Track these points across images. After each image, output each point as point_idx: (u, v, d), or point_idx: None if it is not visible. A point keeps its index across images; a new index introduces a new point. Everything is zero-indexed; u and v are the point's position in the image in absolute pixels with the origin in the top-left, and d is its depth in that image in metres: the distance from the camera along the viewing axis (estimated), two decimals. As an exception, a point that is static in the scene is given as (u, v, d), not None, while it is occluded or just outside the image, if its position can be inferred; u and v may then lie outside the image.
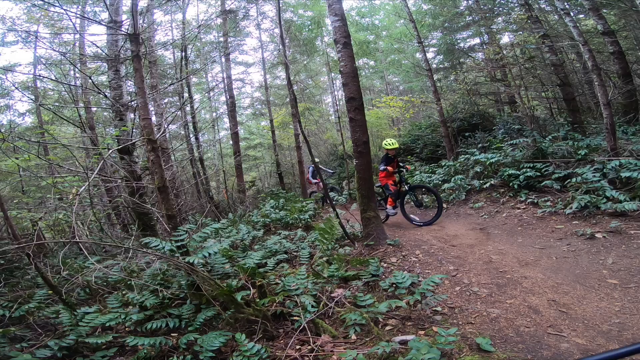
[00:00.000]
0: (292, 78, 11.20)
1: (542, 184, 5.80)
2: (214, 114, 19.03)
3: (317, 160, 11.20)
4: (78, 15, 7.63)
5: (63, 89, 9.32)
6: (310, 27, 15.22)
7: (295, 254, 4.74)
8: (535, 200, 5.53)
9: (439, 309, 2.88)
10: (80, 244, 3.57)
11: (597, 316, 2.56)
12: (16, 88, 8.81)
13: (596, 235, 4.02)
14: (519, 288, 3.12)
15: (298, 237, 5.59)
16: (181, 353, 2.31)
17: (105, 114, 11.52)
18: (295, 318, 2.71)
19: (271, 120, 15.60)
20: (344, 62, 4.78)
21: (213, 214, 9.12)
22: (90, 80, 5.61)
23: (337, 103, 19.44)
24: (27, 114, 12.83)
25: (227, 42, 12.95)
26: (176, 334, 2.61)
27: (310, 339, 2.46)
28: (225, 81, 13.66)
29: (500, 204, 6.10)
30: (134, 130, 6.00)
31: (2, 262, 4.21)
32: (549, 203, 5.27)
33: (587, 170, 5.20)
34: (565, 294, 2.92)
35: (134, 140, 5.22)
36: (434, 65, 12.82)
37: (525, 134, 7.55)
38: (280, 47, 11.89)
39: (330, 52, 16.48)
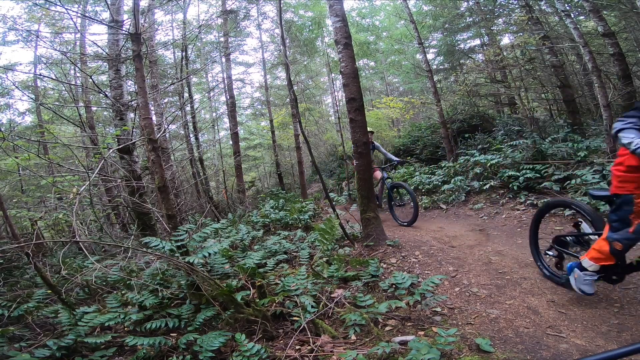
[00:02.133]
0: (292, 78, 11.16)
1: (541, 186, 5.81)
2: (214, 114, 19.04)
3: (370, 136, 7.31)
4: (79, 15, 7.64)
5: (63, 88, 9.32)
6: (310, 27, 15.25)
7: (294, 254, 4.74)
8: (535, 202, 5.54)
9: (438, 309, 2.88)
10: (80, 243, 3.57)
11: (596, 317, 2.56)
12: (16, 87, 8.82)
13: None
14: (519, 289, 3.12)
15: (298, 238, 5.60)
16: (180, 353, 2.30)
17: (105, 113, 11.53)
18: (295, 318, 2.71)
19: (271, 121, 15.62)
20: (344, 63, 4.78)
21: (212, 214, 9.12)
22: (90, 80, 5.61)
23: (337, 104, 19.48)
24: (27, 113, 12.85)
25: (228, 42, 12.96)
26: (175, 334, 2.61)
27: (310, 339, 2.46)
28: (226, 81, 13.67)
29: (500, 205, 6.10)
30: (133, 129, 6.00)
31: (1, 261, 4.21)
32: (548, 204, 5.27)
33: (586, 171, 5.21)
34: (565, 295, 2.93)
35: (134, 140, 5.21)
36: (434, 67, 12.84)
37: (525, 135, 7.57)
38: (281, 47, 11.91)
39: (331, 52, 16.51)
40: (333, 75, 16.49)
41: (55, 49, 8.62)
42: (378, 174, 7.09)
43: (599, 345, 2.25)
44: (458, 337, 2.36)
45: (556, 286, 3.09)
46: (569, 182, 5.32)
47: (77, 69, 8.68)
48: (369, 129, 6.48)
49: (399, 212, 6.74)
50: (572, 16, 7.29)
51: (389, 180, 6.82)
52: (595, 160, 5.53)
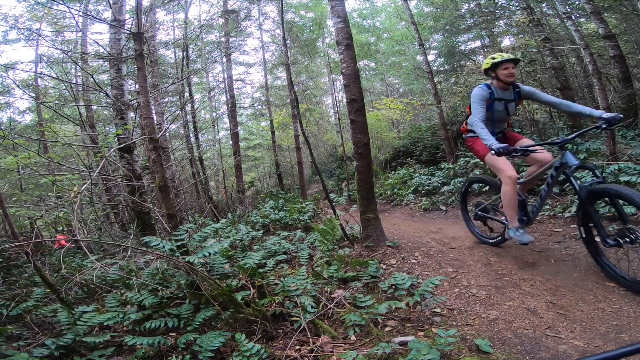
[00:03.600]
0: (292, 79, 11.13)
1: (541, 187, 5.80)
2: (214, 114, 19.06)
3: (512, 69, 3.59)
4: (81, 14, 7.64)
5: (64, 87, 9.32)
6: (311, 28, 15.28)
7: (294, 254, 4.74)
8: (535, 203, 5.53)
9: (438, 310, 2.89)
10: (80, 242, 3.57)
11: (594, 318, 2.57)
12: (17, 86, 8.82)
13: (595, 238, 4.02)
14: (518, 290, 3.12)
15: (297, 238, 5.60)
16: (180, 353, 2.30)
17: (105, 112, 11.53)
18: (294, 318, 2.71)
19: (271, 121, 15.65)
20: (345, 64, 4.79)
21: (212, 214, 9.12)
22: (92, 79, 5.62)
23: (338, 104, 19.48)
24: (27, 111, 12.87)
25: (229, 42, 12.99)
26: (175, 334, 2.61)
27: (310, 339, 2.46)
28: (226, 81, 13.70)
29: (500, 207, 6.10)
30: (134, 129, 6.00)
31: (0, 260, 4.20)
32: (547, 206, 5.28)
33: (586, 174, 5.21)
34: (564, 296, 2.93)
35: (134, 140, 5.22)
36: (435, 68, 12.86)
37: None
38: (282, 48, 11.91)
39: (331, 53, 16.55)
40: (334, 75, 16.51)
41: (57, 48, 8.62)
42: (544, 159, 3.61)
43: (597, 346, 2.25)
44: (458, 338, 2.36)
45: (556, 287, 3.09)
46: (568, 184, 5.32)
47: (78, 67, 8.69)
48: (511, 55, 3.64)
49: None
50: (573, 18, 7.30)
51: (587, 174, 3.61)
52: (595, 163, 5.53)
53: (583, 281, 3.18)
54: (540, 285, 3.16)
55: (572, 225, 4.56)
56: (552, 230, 4.60)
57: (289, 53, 14.54)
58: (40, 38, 9.14)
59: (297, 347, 2.42)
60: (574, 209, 4.70)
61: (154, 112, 8.63)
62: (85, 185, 3.05)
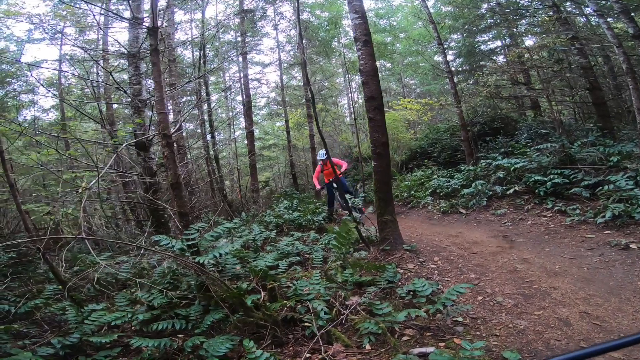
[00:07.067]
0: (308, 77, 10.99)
1: (570, 192, 5.51)
2: (230, 113, 19.15)
3: None
4: (102, 12, 7.74)
5: (85, 85, 9.47)
6: (327, 27, 15.17)
7: (308, 256, 4.61)
8: (563, 208, 5.24)
9: (460, 319, 2.70)
10: (92, 239, 3.53)
11: (633, 329, 2.36)
12: (41, 84, 9.00)
13: (631, 245, 3.75)
14: (548, 299, 2.91)
15: (311, 239, 5.46)
16: (186, 356, 2.21)
17: (125, 110, 11.70)
18: (306, 324, 2.57)
19: (286, 121, 15.61)
20: (363, 61, 4.65)
21: (226, 213, 9.09)
22: (111, 77, 5.65)
23: (353, 104, 19.31)
24: (52, 109, 13.20)
25: (245, 42, 13.01)
26: (182, 336, 2.52)
27: (322, 347, 2.32)
28: (242, 81, 13.73)
29: (525, 211, 5.82)
30: (151, 126, 5.99)
31: (14, 255, 4.22)
32: (578, 211, 4.98)
33: (619, 177, 4.90)
34: (599, 306, 2.71)
35: (147, 135, 5.20)
36: (453, 68, 12.54)
37: (550, 139, 7.23)
38: (298, 45, 11.86)
39: (347, 53, 16.40)
40: (349, 75, 16.36)
41: (79, 46, 8.77)
42: None
43: (637, 358, 2.05)
44: (483, 350, 2.18)
45: (589, 297, 2.86)
46: (600, 188, 5.02)
47: (99, 66, 8.80)
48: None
49: None
50: (604, 16, 6.93)
51: None
52: (628, 166, 5.20)
53: (620, 290, 2.94)
54: (573, 294, 2.94)
55: (606, 232, 4.28)
56: (584, 236, 4.33)
57: (304, 52, 14.48)
58: (63, 37, 9.32)
59: (307, 355, 2.28)
60: (608, 214, 4.41)
61: (170, 110, 8.68)
62: (94, 182, 2.99)
